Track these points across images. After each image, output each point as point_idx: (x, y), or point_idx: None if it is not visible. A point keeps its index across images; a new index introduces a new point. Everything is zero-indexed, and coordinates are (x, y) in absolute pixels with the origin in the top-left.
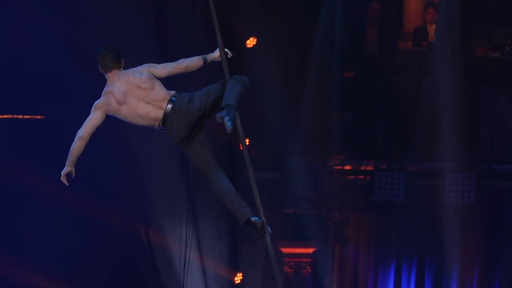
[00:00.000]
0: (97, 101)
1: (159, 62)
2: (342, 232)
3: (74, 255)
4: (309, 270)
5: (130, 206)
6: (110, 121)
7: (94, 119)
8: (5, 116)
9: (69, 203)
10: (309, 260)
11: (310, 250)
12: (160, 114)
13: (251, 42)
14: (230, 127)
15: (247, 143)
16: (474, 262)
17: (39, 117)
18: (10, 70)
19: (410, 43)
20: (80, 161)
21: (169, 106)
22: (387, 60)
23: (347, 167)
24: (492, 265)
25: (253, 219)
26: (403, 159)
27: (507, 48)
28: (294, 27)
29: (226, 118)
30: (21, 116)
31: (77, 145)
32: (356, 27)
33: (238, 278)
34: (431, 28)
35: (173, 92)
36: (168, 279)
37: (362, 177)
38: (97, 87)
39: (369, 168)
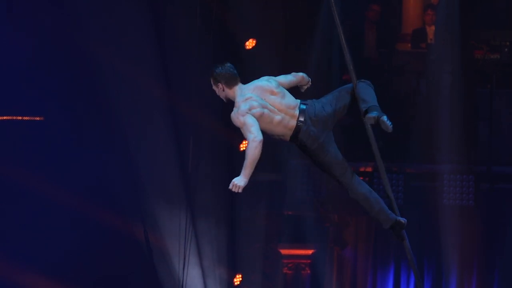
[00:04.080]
0: (240, 110)
1: (156, 63)
2: (341, 234)
3: (73, 256)
4: (308, 271)
5: (129, 207)
6: (109, 122)
7: (254, 120)
8: (4, 117)
9: (68, 205)
10: (308, 261)
11: (309, 252)
12: (293, 123)
13: (250, 43)
14: (391, 125)
15: (245, 147)
16: (472, 264)
17: (38, 118)
18: (9, 71)
19: (409, 45)
20: (80, 161)
21: (301, 114)
22: (386, 62)
23: None
24: (490, 267)
25: (399, 219)
26: (402, 161)
27: (505, 50)
28: (293, 29)
29: (384, 117)
30: (20, 118)
31: (259, 150)
32: (355, 29)
33: (237, 280)
34: (430, 30)
35: (299, 100)
36: (167, 281)
37: (361, 179)
38: (96, 88)
39: (368, 170)
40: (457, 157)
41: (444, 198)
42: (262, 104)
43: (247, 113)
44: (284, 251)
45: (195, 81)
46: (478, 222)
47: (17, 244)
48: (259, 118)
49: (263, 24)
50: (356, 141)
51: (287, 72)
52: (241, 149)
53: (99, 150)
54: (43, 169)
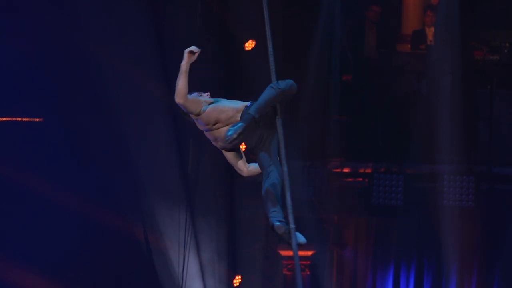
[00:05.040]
0: None
1: (156, 63)
2: (341, 234)
3: (73, 256)
4: (308, 272)
5: (129, 207)
6: (109, 122)
7: None
8: (4, 118)
9: (68, 205)
10: (308, 262)
11: (309, 253)
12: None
13: (249, 44)
14: (228, 136)
15: (243, 149)
16: (472, 265)
17: (37, 119)
18: (9, 72)
19: (409, 46)
20: (79, 162)
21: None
22: (385, 62)
23: (346, 170)
24: (490, 268)
25: (277, 224)
26: (402, 162)
27: (505, 50)
28: (293, 30)
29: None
30: (19, 119)
31: None
32: (355, 30)
33: (237, 281)
34: (430, 31)
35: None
36: (167, 282)
37: (360, 179)
38: (96, 88)
39: (368, 170)
40: (457, 157)
41: (444, 198)
42: None
43: None
44: (283, 252)
45: (194, 80)
46: (478, 223)
47: (17, 244)
48: None
49: (263, 25)
50: (356, 142)
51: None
52: (241, 150)
53: (99, 150)
54: (43, 169)
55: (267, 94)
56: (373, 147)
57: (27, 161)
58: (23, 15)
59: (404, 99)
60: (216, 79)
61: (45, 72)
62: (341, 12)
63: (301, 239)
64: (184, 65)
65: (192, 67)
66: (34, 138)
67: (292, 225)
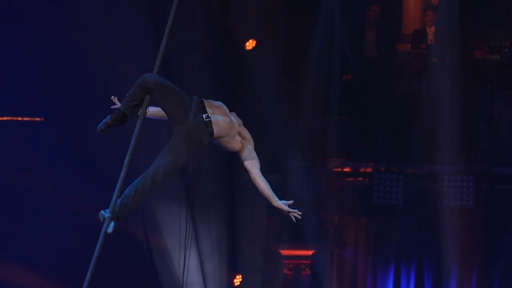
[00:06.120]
0: None
1: (155, 63)
2: (341, 234)
3: (73, 256)
4: (308, 272)
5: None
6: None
7: None
8: (4, 118)
9: (68, 205)
10: (308, 262)
11: (309, 253)
12: None
13: (250, 44)
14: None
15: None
16: (472, 265)
17: (38, 119)
18: (9, 72)
19: (409, 46)
20: (79, 163)
21: None
22: (386, 62)
23: (346, 170)
24: (490, 268)
25: (101, 212)
26: (402, 162)
27: (506, 50)
28: (293, 30)
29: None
30: (20, 118)
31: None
32: (355, 30)
33: (237, 281)
34: (430, 31)
35: None
36: (167, 282)
37: (361, 179)
38: (96, 88)
39: (368, 170)
40: (457, 157)
41: (444, 198)
42: None
43: None
44: (284, 252)
45: (195, 80)
46: (478, 223)
47: (17, 244)
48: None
49: (263, 25)
50: (356, 141)
51: (285, 74)
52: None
53: (99, 150)
54: (43, 169)
55: (132, 88)
56: (373, 147)
57: (27, 161)
58: (23, 15)
59: (404, 99)
60: (216, 79)
61: (45, 72)
62: (341, 12)
63: (110, 229)
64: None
65: (192, 67)
66: (34, 137)
67: (107, 215)
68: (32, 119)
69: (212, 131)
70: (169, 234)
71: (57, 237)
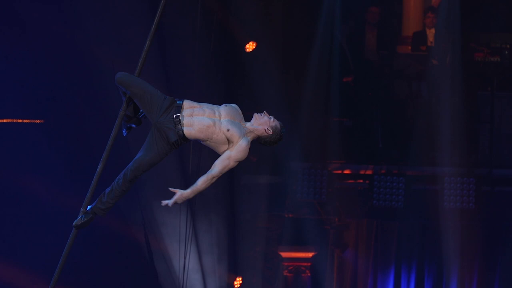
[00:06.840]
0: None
1: (156, 65)
2: (342, 236)
3: (73, 256)
4: (309, 274)
5: (129, 210)
6: (109, 122)
7: None
8: (4, 120)
9: (68, 207)
10: (309, 264)
11: (310, 255)
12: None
13: (250, 46)
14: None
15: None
16: (473, 266)
17: (38, 121)
18: (9, 74)
19: (409, 48)
20: (80, 162)
21: None
22: (386, 64)
23: (347, 172)
24: (491, 270)
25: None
26: (403, 164)
27: (506, 52)
28: (293, 32)
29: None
30: (20, 120)
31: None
32: (355, 31)
33: (237, 282)
34: (430, 33)
35: None
36: (168, 283)
37: (361, 181)
38: (95, 88)
39: (369, 172)
40: (458, 159)
41: (445, 200)
42: None
43: None
44: (284, 254)
45: (195, 81)
46: (479, 225)
47: (17, 244)
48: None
49: (263, 27)
50: (356, 144)
51: (286, 76)
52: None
53: (99, 150)
54: (43, 170)
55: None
56: (373, 149)
57: (28, 163)
58: (23, 16)
59: (404, 100)
60: (216, 81)
61: (45, 73)
62: (341, 13)
63: (77, 222)
64: None
65: (192, 67)
66: (34, 139)
67: (81, 209)
68: (32, 121)
69: (182, 131)
70: (169, 236)
71: (57, 237)
